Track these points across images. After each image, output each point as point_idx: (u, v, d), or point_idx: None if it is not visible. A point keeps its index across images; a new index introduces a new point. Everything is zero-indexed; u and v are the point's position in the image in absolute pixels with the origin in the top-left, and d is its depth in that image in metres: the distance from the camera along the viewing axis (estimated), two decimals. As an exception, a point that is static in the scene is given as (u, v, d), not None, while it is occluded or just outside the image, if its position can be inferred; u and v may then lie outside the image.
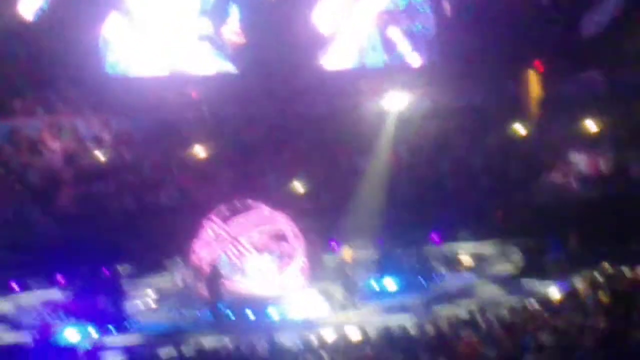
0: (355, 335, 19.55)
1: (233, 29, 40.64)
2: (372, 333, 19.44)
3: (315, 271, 28.74)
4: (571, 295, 21.08)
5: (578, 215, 32.02)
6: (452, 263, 30.13)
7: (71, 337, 23.83)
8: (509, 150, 38.88)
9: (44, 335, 23.53)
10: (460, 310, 22.92)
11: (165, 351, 20.07)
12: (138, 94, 38.17)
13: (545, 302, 20.39)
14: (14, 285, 29.05)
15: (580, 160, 36.76)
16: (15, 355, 22.71)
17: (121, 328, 25.11)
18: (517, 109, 41.09)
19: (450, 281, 28.92)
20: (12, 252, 30.41)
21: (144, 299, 27.84)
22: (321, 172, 37.13)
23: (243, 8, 40.69)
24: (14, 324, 26.13)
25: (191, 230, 28.87)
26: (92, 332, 24.29)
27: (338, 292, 26.32)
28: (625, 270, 22.98)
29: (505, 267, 30.23)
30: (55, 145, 35.86)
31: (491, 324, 18.63)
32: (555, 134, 38.81)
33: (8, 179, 34.36)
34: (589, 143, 37.31)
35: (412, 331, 19.38)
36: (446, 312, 23.71)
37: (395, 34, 44.73)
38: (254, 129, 38.73)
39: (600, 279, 22.25)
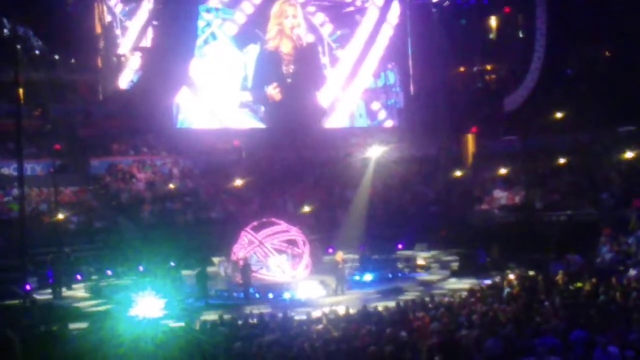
0: (342, 312, 19.56)
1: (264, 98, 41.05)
2: (354, 311, 19.34)
3: (317, 267, 28.77)
4: (492, 288, 21.07)
5: (498, 233, 31.95)
6: (411, 264, 30.03)
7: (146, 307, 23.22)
8: (452, 188, 38.99)
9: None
10: (416, 296, 22.87)
11: (214, 316, 20.01)
12: (197, 142, 38.49)
13: (474, 292, 20.28)
14: (109, 272, 28.96)
15: (501, 195, 36.88)
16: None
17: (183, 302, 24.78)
18: (459, 159, 41.35)
19: (410, 277, 28.83)
20: (107, 249, 30.44)
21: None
22: (322, 200, 37.26)
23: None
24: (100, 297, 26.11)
25: (232, 237, 28.98)
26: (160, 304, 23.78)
27: (332, 282, 26.15)
28: (529, 272, 23.19)
29: (448, 268, 30.18)
30: (140, 176, 36.00)
31: (437, 307, 18.44)
32: (484, 177, 38.99)
33: (107, 198, 34.52)
34: (507, 184, 37.48)
35: (382, 310, 19.37)
36: (406, 297, 23.66)
37: (375, 105, 45.13)
38: (277, 168, 38.85)
39: (512, 277, 22.47)
